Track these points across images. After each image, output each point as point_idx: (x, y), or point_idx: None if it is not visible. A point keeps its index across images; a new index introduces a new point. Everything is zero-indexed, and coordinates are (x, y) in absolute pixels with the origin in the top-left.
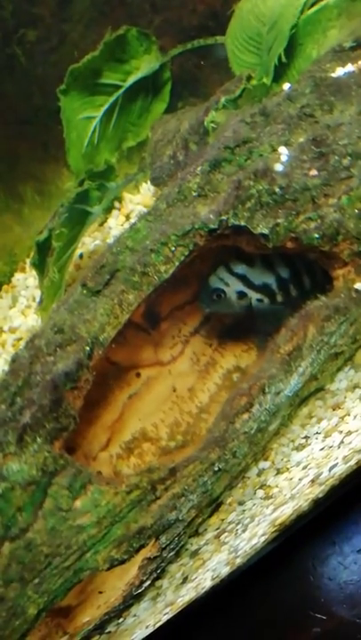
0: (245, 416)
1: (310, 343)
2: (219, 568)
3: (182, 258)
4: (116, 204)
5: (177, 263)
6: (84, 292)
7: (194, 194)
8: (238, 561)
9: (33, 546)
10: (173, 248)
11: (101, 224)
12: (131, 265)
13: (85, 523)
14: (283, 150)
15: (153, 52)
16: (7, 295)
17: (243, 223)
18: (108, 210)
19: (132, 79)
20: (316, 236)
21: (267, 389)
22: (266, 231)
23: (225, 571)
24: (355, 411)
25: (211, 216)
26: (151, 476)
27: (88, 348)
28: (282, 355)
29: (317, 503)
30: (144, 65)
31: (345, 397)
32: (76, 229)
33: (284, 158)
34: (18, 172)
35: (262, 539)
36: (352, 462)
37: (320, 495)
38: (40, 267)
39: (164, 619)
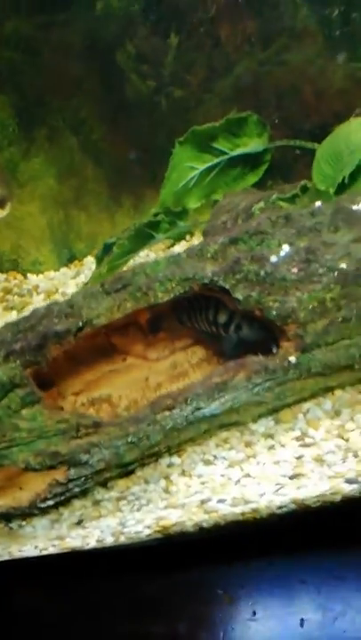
0: (166, 413)
1: (235, 384)
2: (106, 533)
3: (177, 293)
4: (187, 237)
5: (172, 295)
6: (100, 289)
7: (208, 255)
8: (122, 539)
9: None
10: (174, 285)
11: (169, 246)
12: (139, 285)
13: (22, 426)
14: (285, 248)
15: (264, 137)
16: (75, 268)
17: (227, 286)
18: (179, 238)
19: (238, 151)
20: (274, 313)
21: (189, 402)
22: (240, 297)
23: (109, 540)
24: (260, 457)
25: (209, 274)
26: (80, 420)
27: (81, 324)
28: (211, 382)
29: (202, 531)
30: (252, 144)
31: (258, 440)
32: (137, 245)
33: (282, 253)
34: (126, 186)
35: (146, 532)
36: (237, 509)
37: (204, 524)
38: (99, 261)
39: (50, 550)
